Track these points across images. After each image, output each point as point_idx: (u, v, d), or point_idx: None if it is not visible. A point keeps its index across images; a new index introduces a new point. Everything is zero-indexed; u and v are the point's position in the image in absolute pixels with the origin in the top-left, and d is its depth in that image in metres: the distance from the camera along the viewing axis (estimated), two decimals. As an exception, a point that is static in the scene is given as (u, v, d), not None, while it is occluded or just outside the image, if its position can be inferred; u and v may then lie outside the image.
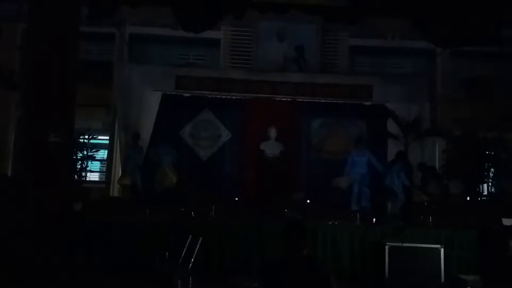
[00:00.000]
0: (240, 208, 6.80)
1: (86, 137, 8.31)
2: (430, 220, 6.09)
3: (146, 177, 8.33)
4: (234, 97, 9.46)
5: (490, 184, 8.47)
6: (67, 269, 5.26)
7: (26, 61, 6.92)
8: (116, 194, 8.91)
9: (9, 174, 8.53)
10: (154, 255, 5.10)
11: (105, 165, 9.57)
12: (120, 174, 9.04)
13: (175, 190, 7.69)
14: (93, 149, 8.50)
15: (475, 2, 7.04)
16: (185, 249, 4.94)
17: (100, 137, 9.10)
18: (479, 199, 8.00)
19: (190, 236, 5.03)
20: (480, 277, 4.97)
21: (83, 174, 8.53)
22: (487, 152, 8.42)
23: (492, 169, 8.39)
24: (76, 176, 7.91)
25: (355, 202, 7.91)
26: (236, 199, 7.52)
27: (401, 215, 6.49)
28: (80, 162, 8.25)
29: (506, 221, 5.94)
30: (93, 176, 9.70)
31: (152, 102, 9.19)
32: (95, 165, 9.57)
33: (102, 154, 9.40)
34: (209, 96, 9.41)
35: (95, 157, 8.76)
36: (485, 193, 8.48)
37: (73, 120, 6.08)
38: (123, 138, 9.12)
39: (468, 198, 7.54)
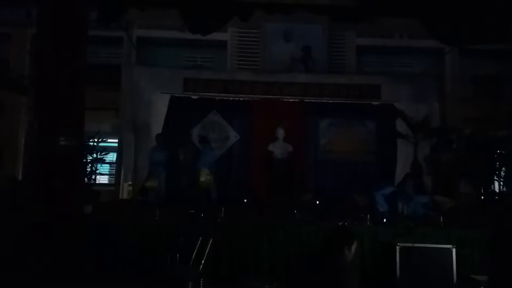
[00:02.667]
0: (249, 210, 6.79)
1: (96, 140, 8.35)
2: (441, 220, 6.03)
3: (171, 178, 8.34)
4: (241, 99, 9.46)
5: (501, 183, 8.37)
6: (77, 271, 5.28)
7: (35, 65, 6.97)
8: (125, 196, 8.95)
9: (19, 178, 8.61)
10: (165, 257, 5.11)
11: (115, 168, 9.62)
12: (124, 176, 9.08)
13: (209, 191, 7.74)
14: (102, 152, 8.55)
15: (483, 0, 6.98)
16: (195, 251, 4.96)
17: (109, 140, 9.15)
18: (495, 197, 7.92)
19: (200, 238, 5.04)
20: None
21: (93, 176, 8.58)
22: (497, 151, 8.35)
23: (503, 168, 8.31)
24: (86, 179, 7.95)
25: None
26: (245, 200, 7.52)
27: None
28: (90, 165, 8.30)
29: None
30: (103, 179, 9.75)
31: (160, 105, 9.23)
32: (104, 168, 9.62)
33: (112, 157, 9.45)
34: (217, 98, 9.42)
35: (104, 159, 8.80)
36: (497, 192, 8.39)
37: (82, 123, 6.11)
38: (132, 141, 9.17)
39: (482, 197, 7.46)
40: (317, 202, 7.09)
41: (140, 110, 9.21)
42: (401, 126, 9.09)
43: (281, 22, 9.33)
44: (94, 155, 8.38)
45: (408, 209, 6.63)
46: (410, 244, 5.35)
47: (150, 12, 7.98)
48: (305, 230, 5.92)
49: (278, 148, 8.72)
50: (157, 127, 9.05)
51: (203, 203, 7.51)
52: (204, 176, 7.98)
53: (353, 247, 2.98)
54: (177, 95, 9.33)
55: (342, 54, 9.99)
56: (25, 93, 8.99)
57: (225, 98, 9.43)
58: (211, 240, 4.90)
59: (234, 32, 9.88)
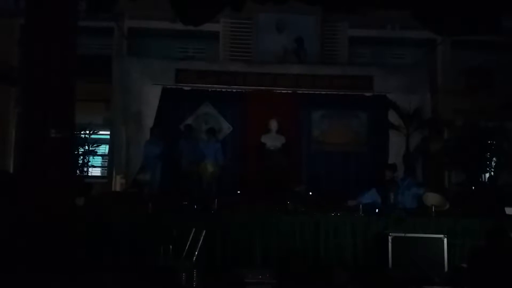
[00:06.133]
0: (242, 201, 6.80)
1: (87, 132, 8.29)
2: (433, 209, 6.09)
3: (167, 171, 8.29)
4: (234, 90, 9.42)
5: (492, 173, 8.47)
6: (70, 264, 5.27)
7: (25, 56, 6.87)
8: (118, 188, 8.92)
9: (10, 171, 8.54)
10: (158, 249, 5.11)
11: (107, 160, 9.57)
12: (116, 169, 9.02)
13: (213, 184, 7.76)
14: (94, 144, 8.49)
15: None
16: (188, 243, 4.96)
17: (101, 132, 9.08)
18: (485, 188, 8.01)
19: (194, 229, 5.04)
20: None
21: (85, 169, 8.52)
22: (488, 142, 8.43)
23: (493, 158, 8.40)
24: (78, 171, 7.91)
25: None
26: (238, 192, 7.53)
27: None
28: (81, 157, 8.25)
29: (509, 210, 5.98)
30: (95, 171, 9.70)
31: (152, 96, 9.14)
32: (96, 160, 9.56)
33: (104, 149, 9.39)
34: (209, 89, 9.37)
35: (96, 152, 8.74)
36: (487, 182, 8.48)
37: (73, 115, 6.06)
38: (124, 133, 9.11)
39: (473, 188, 7.54)
40: (310, 193, 7.12)
41: (131, 102, 9.13)
42: (393, 117, 9.12)
43: (274, 12, 9.27)
44: (86, 147, 8.32)
45: (400, 200, 6.67)
46: (402, 234, 5.41)
47: (141, 2, 7.90)
48: (298, 221, 5.95)
49: (271, 140, 8.72)
50: (148, 119, 8.98)
51: (197, 195, 7.49)
52: (212, 168, 7.94)
53: None
54: (169, 86, 9.25)
55: (334, 45, 9.97)
56: (14, 85, 8.89)
57: (217, 89, 9.38)
58: (204, 231, 4.91)
59: (226, 23, 9.80)
